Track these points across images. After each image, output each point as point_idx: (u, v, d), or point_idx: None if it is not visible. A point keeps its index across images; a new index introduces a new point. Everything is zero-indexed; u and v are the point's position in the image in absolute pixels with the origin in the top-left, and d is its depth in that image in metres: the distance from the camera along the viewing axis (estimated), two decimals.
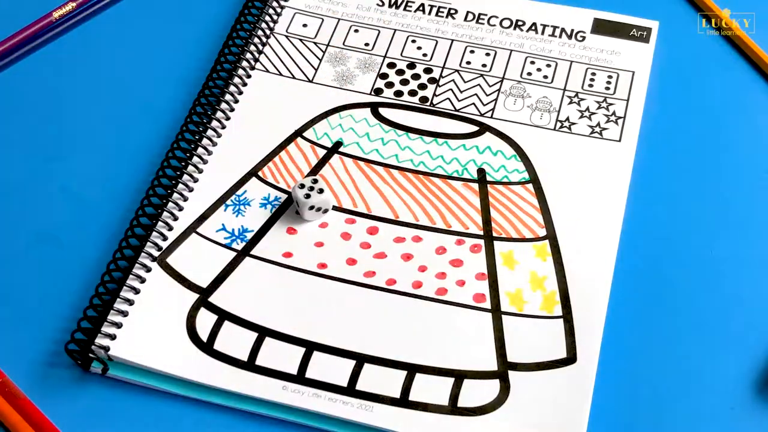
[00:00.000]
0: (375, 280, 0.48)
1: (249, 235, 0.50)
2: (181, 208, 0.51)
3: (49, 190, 0.53)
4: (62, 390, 0.46)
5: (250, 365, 0.45)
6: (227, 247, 0.50)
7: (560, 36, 0.58)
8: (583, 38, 0.58)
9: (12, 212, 0.52)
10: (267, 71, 0.58)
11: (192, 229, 0.50)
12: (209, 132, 0.54)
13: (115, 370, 0.46)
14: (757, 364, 0.46)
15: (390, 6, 0.61)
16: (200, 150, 0.53)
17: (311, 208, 0.50)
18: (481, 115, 0.55)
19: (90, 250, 0.50)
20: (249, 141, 0.54)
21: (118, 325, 0.46)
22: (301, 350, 0.46)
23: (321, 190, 0.50)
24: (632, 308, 0.48)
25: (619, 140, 0.53)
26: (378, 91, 0.56)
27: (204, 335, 0.46)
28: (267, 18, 0.60)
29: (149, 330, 0.47)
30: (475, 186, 0.52)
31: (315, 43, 0.59)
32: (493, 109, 0.55)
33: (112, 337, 0.46)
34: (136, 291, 0.48)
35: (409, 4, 0.61)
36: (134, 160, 0.54)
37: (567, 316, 0.47)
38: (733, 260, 0.49)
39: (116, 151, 0.55)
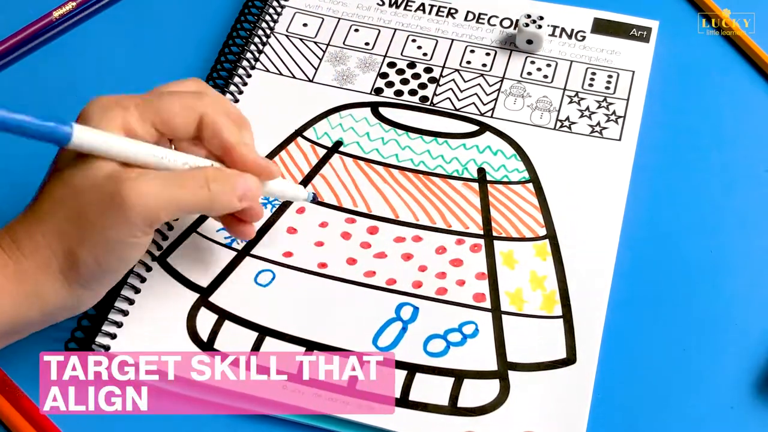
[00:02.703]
0: (375, 280, 0.48)
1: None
2: None
3: None
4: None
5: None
6: (227, 246, 0.50)
7: (560, 36, 0.58)
8: (583, 38, 0.58)
9: (12, 212, 0.52)
10: (267, 71, 0.58)
11: (192, 228, 0.50)
12: None
13: None
14: (757, 364, 0.46)
15: (390, 5, 0.61)
16: None
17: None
18: (481, 114, 0.55)
19: None
20: None
21: (119, 324, 0.46)
22: (302, 350, 0.46)
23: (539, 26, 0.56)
24: (632, 308, 0.47)
25: (620, 139, 0.53)
26: (378, 91, 0.56)
27: (204, 335, 0.46)
28: (267, 18, 0.60)
29: (149, 329, 0.47)
30: (475, 185, 0.52)
31: (315, 43, 0.59)
32: (493, 109, 0.55)
33: (113, 336, 0.46)
34: (137, 290, 0.48)
35: (410, 3, 0.61)
36: None
37: (567, 316, 0.47)
38: (733, 260, 0.49)
39: None
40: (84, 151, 0.40)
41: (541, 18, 0.57)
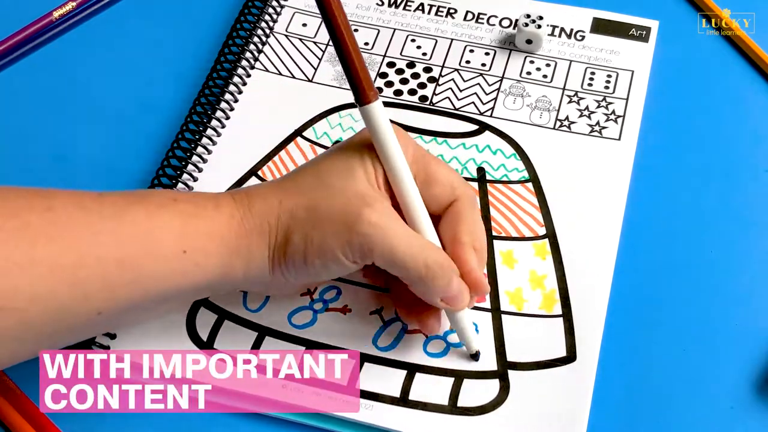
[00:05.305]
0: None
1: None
2: None
3: None
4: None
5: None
6: None
7: (560, 35, 0.58)
8: (583, 38, 0.58)
9: None
10: (267, 71, 0.58)
11: None
12: (209, 132, 0.54)
13: None
14: (757, 363, 0.46)
15: (389, 5, 0.61)
16: (200, 149, 0.53)
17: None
18: (481, 114, 0.55)
19: None
20: (249, 141, 0.54)
21: None
22: (301, 349, 0.46)
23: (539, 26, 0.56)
24: (632, 307, 0.47)
25: (619, 139, 0.53)
26: (377, 90, 0.56)
27: (204, 334, 0.46)
28: (267, 17, 0.60)
29: (149, 329, 0.46)
30: (475, 185, 0.52)
31: (315, 43, 0.59)
32: (492, 108, 0.55)
33: (113, 335, 0.46)
34: None
35: (409, 3, 0.61)
36: (134, 159, 0.54)
37: (567, 315, 0.47)
38: (733, 259, 0.49)
39: (116, 150, 0.55)
40: (370, 126, 0.41)
41: (541, 18, 0.57)
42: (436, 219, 0.43)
